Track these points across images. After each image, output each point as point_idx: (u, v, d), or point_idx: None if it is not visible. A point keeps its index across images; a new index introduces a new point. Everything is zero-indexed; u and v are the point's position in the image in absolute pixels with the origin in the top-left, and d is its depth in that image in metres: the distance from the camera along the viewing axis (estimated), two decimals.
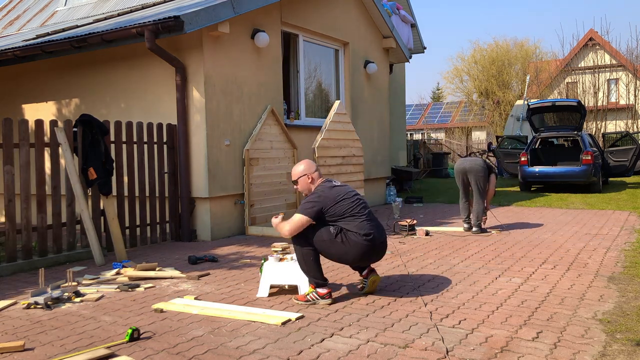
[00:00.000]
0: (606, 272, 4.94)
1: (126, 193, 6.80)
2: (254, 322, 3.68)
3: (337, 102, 7.62)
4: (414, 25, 14.99)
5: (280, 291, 4.49)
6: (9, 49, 8.13)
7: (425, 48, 17.33)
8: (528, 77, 24.31)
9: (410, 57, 12.98)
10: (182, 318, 3.82)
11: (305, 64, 9.50)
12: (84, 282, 4.98)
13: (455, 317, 3.72)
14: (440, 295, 4.27)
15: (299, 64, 9.32)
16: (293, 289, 4.46)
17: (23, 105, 9.09)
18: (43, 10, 12.83)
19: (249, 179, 7.62)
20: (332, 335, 3.41)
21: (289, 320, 3.69)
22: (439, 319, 3.68)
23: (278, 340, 3.34)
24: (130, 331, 3.37)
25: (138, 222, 6.85)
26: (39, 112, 8.78)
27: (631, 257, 5.59)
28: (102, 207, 6.32)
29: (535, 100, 19.40)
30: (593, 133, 20.88)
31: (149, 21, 6.66)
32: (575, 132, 13.54)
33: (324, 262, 5.65)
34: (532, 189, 13.78)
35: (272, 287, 4.48)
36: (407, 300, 4.15)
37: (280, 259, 4.47)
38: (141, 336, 3.44)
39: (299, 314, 3.80)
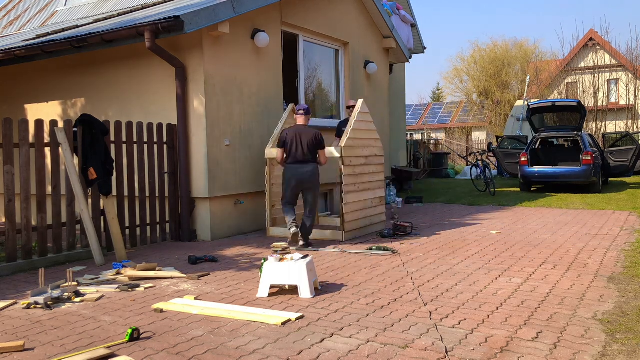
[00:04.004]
0: (606, 272, 4.94)
1: (126, 193, 6.80)
2: (254, 322, 3.68)
3: (360, 101, 7.44)
4: (414, 26, 14.99)
5: (280, 291, 4.49)
6: (9, 49, 8.13)
7: (425, 48, 17.33)
8: (528, 77, 24.32)
9: (410, 57, 12.98)
10: (182, 318, 3.82)
11: (305, 64, 9.50)
12: (84, 282, 4.98)
13: (455, 317, 3.72)
14: (440, 295, 4.27)
15: (299, 64, 9.31)
16: (293, 289, 4.46)
17: (23, 105, 9.09)
18: (43, 10, 12.83)
19: (270, 179, 7.57)
20: (332, 335, 3.41)
21: (289, 320, 3.69)
22: (439, 319, 3.68)
23: (278, 340, 3.34)
24: (130, 331, 3.37)
25: (138, 222, 6.84)
26: (39, 112, 8.77)
27: (631, 257, 5.59)
28: (102, 207, 6.32)
29: (536, 100, 19.40)
30: (593, 133, 20.88)
31: (149, 21, 6.66)
32: (575, 133, 13.54)
33: (325, 262, 5.66)
34: (532, 189, 13.77)
35: (272, 287, 4.47)
36: (407, 300, 4.15)
37: (280, 259, 4.47)
38: (141, 336, 3.44)
39: (299, 314, 3.80)
